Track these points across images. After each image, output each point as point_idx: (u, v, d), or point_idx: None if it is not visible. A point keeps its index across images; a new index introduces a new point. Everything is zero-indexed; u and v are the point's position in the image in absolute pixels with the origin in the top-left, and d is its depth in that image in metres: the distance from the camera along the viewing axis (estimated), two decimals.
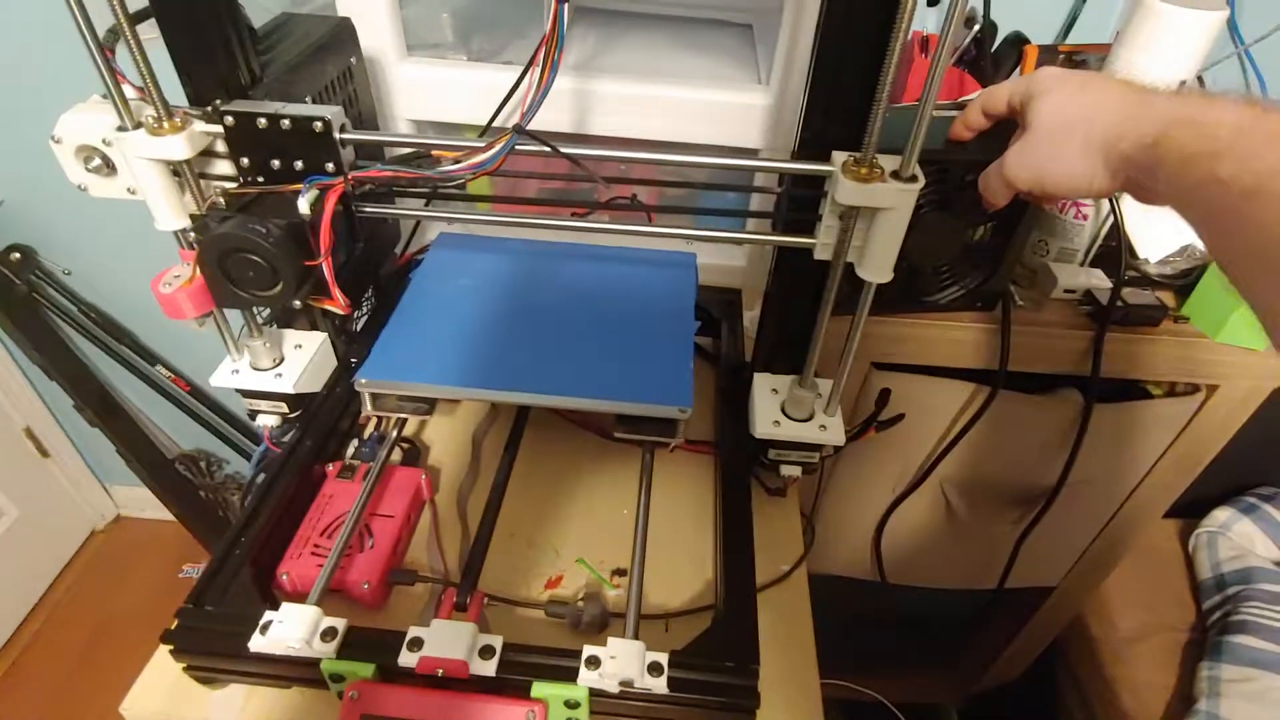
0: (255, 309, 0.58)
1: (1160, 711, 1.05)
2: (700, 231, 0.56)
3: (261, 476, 0.61)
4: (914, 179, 0.45)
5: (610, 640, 0.45)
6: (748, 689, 0.45)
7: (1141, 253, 0.78)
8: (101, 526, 1.77)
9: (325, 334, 0.63)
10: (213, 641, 0.46)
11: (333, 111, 0.47)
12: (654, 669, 0.44)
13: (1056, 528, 0.93)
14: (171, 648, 0.47)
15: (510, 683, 0.44)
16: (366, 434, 0.66)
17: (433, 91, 0.76)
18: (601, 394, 0.56)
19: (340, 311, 0.50)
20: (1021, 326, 0.75)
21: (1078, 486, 0.86)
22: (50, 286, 1.34)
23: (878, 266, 0.49)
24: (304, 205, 0.45)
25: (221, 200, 0.47)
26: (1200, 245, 0.77)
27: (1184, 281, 0.78)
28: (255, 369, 0.60)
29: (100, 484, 1.75)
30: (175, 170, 0.49)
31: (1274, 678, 0.98)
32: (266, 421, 0.62)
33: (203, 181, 0.51)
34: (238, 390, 0.60)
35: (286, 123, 0.47)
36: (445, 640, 0.44)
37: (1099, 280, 0.77)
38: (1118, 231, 0.76)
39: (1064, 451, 0.83)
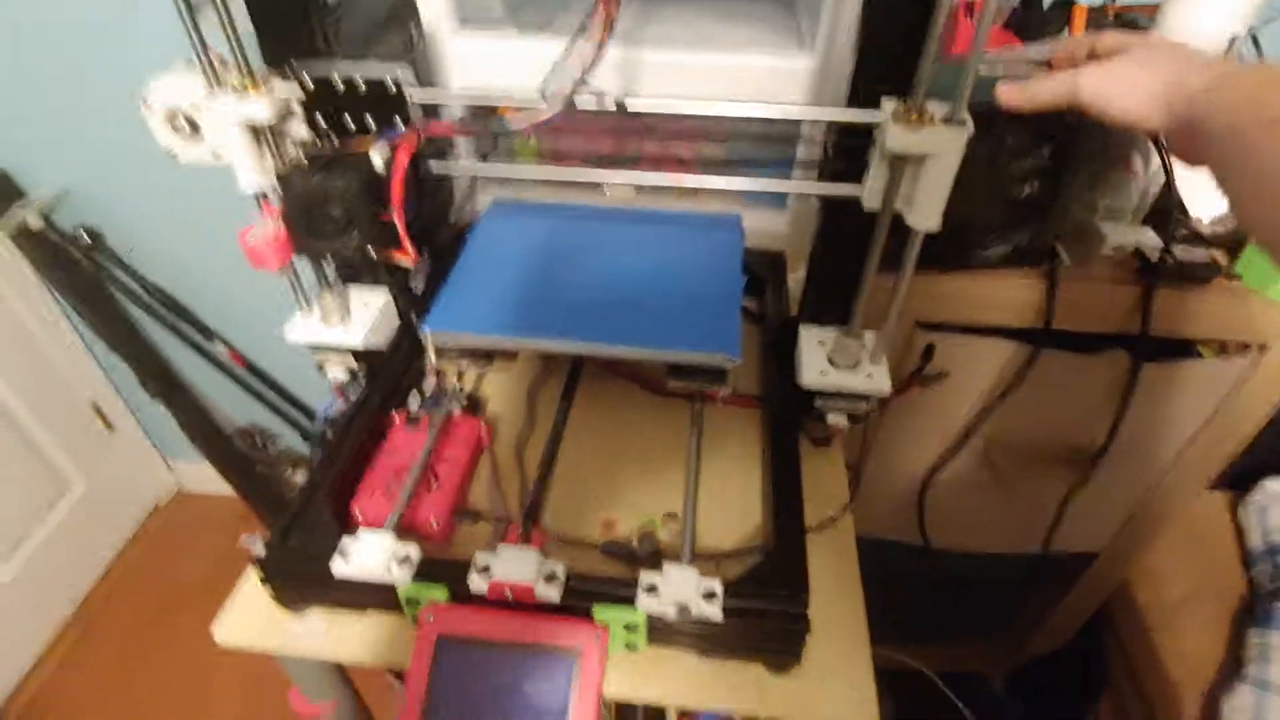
0: (324, 267, 0.62)
1: (1208, 678, 1.04)
2: (749, 181, 0.57)
3: (329, 429, 0.64)
4: (963, 124, 0.46)
5: (666, 566, 0.47)
6: (799, 615, 0.47)
7: (1194, 211, 0.78)
8: (165, 500, 1.85)
9: (388, 291, 0.66)
10: (297, 567, 0.50)
11: (403, 70, 0.50)
12: (709, 596, 0.46)
13: (1101, 491, 0.93)
14: (261, 574, 0.50)
15: (573, 607, 0.47)
16: (428, 389, 0.69)
17: (485, 63, 0.78)
18: (652, 343, 0.59)
19: (409, 264, 0.53)
20: (1068, 284, 0.75)
21: (1125, 448, 0.86)
22: (116, 267, 1.40)
23: (926, 214, 0.50)
24: (378, 160, 0.48)
25: (303, 158, 0.50)
26: None
27: (1236, 239, 0.77)
28: (324, 324, 0.63)
29: (163, 459, 1.83)
30: (256, 132, 0.53)
31: None
32: (334, 375, 0.65)
33: (280, 144, 0.54)
34: (308, 344, 0.64)
35: (361, 83, 0.50)
36: (512, 565, 0.47)
37: (1149, 238, 0.76)
38: (1168, 189, 0.76)
39: (1110, 413, 0.83)
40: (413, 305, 0.70)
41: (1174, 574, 1.16)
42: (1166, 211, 0.77)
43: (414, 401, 0.66)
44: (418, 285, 0.70)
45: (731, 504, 0.61)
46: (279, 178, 0.50)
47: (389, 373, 0.65)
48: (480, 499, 0.62)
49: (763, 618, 0.47)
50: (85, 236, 1.33)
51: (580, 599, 0.47)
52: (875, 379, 0.60)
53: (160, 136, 0.55)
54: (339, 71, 0.50)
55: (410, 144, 0.48)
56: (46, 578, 1.51)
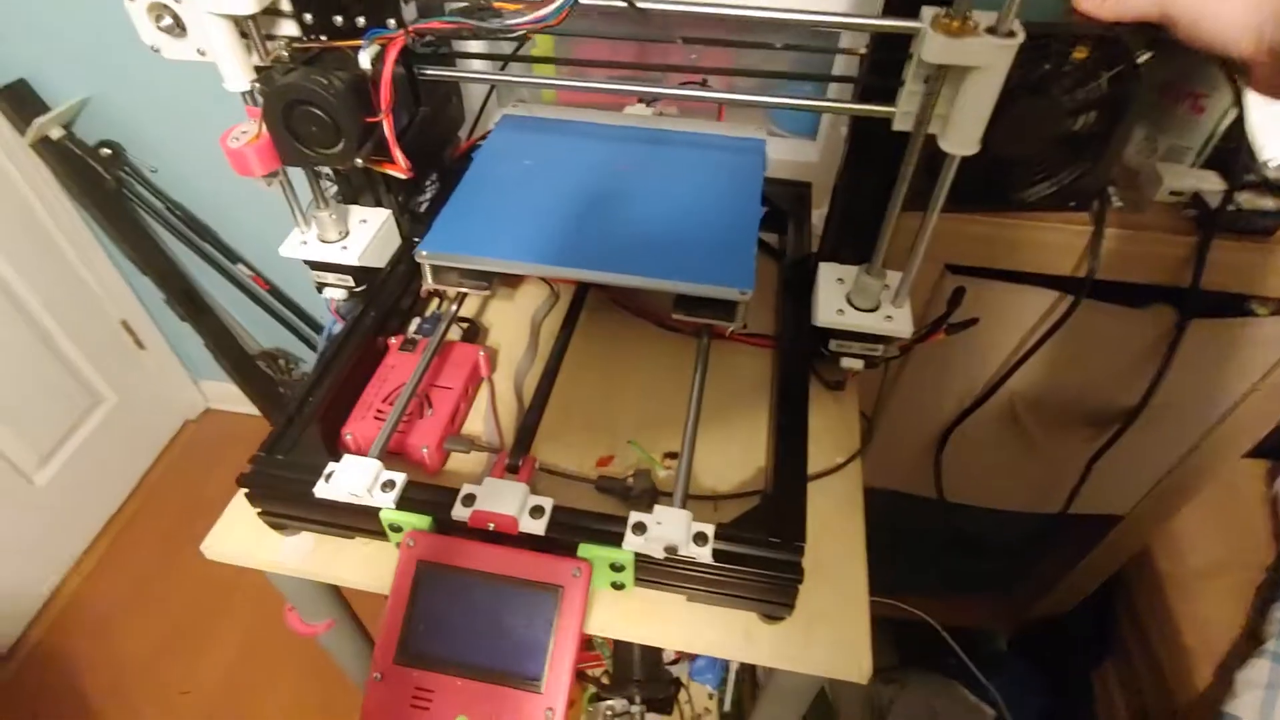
0: (321, 181, 0.59)
1: (1224, 649, 1.01)
2: (771, 99, 0.53)
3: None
4: (1013, 35, 0.41)
5: (657, 508, 0.45)
6: (792, 564, 0.45)
7: (1262, 155, 0.70)
8: (194, 417, 1.89)
9: (389, 210, 0.64)
10: (282, 487, 0.49)
11: None
12: (699, 538, 0.44)
13: (1132, 453, 0.88)
14: (246, 491, 0.49)
15: (558, 542, 0.45)
16: (429, 312, 0.67)
17: None
18: (661, 274, 0.55)
19: (401, 175, 0.50)
20: (1117, 230, 0.69)
21: (1161, 409, 0.81)
22: (139, 183, 1.39)
23: (963, 136, 0.45)
24: (365, 59, 0.45)
25: (286, 54, 0.47)
26: None
27: None
28: (322, 241, 0.61)
29: (191, 378, 1.86)
30: (243, 31, 0.49)
31: None
32: (333, 294, 0.63)
33: (268, 43, 0.50)
34: (305, 261, 0.62)
35: None
36: (497, 497, 0.45)
37: (1211, 182, 0.70)
38: (1237, 129, 0.69)
39: (1149, 371, 0.78)
40: (416, 224, 0.67)
41: (1199, 541, 1.12)
42: (1233, 154, 0.71)
43: (413, 326, 0.64)
44: (420, 205, 0.67)
45: (736, 446, 0.59)
46: (258, 72, 0.47)
47: (386, 295, 0.63)
48: (477, 427, 0.60)
49: (754, 564, 0.45)
50: (107, 150, 1.32)
51: (567, 534, 0.45)
52: (895, 321, 0.56)
53: (144, 31, 0.52)
54: None
55: (400, 42, 0.44)
56: (81, 486, 1.56)
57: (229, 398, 1.84)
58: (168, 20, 0.51)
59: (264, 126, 0.47)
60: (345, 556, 0.52)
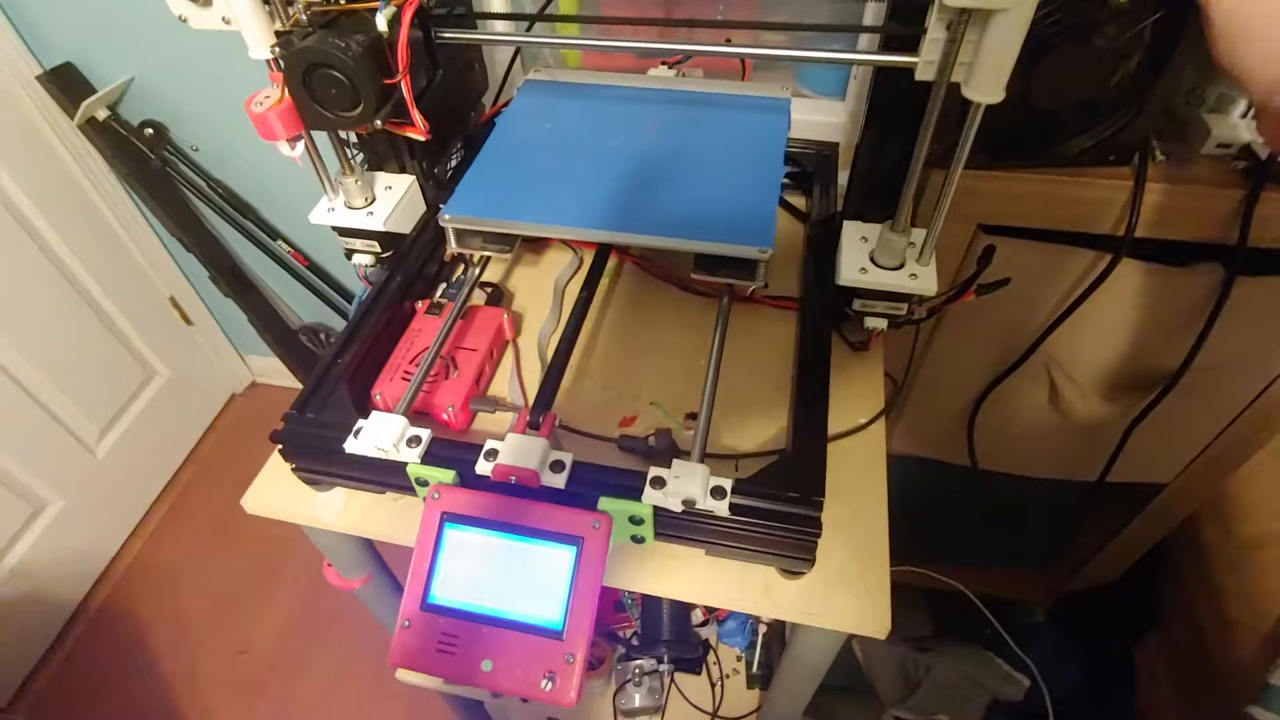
0: (348, 148, 0.60)
1: (1269, 623, 0.98)
2: (790, 52, 0.52)
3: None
4: None
5: (675, 463, 0.46)
6: (810, 518, 0.45)
7: None
8: (240, 390, 1.96)
9: (413, 177, 0.65)
10: (314, 443, 0.51)
11: None
12: (716, 492, 0.45)
13: (1174, 419, 0.85)
14: (280, 447, 0.51)
15: (578, 496, 0.46)
16: (454, 277, 0.68)
17: None
18: (681, 234, 0.55)
19: (420, 137, 0.50)
20: (1160, 184, 0.67)
21: (1207, 373, 0.78)
22: (182, 162, 1.43)
23: (988, 84, 0.44)
24: (381, 21, 0.45)
25: (305, 18, 0.47)
26: None
27: None
28: (349, 208, 0.62)
29: (237, 352, 1.92)
30: None
31: None
32: (361, 260, 0.65)
33: (288, 8, 0.51)
34: (333, 227, 0.63)
35: None
36: (519, 452, 0.46)
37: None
38: None
39: (1194, 332, 0.75)
40: (440, 191, 0.68)
41: (1251, 512, 1.09)
42: None
43: (439, 291, 0.65)
44: (446, 172, 0.68)
45: (756, 406, 0.59)
46: (277, 35, 0.48)
47: (412, 260, 0.64)
48: (502, 389, 0.61)
49: (772, 518, 0.45)
50: (150, 130, 1.36)
51: (587, 488, 0.46)
52: (920, 279, 0.55)
53: (172, 1, 0.53)
54: None
55: (415, 3, 0.45)
56: (139, 456, 1.63)
57: (273, 371, 1.90)
58: None
59: (285, 91, 0.48)
60: (376, 512, 0.54)
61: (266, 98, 0.49)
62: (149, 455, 1.68)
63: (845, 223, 0.59)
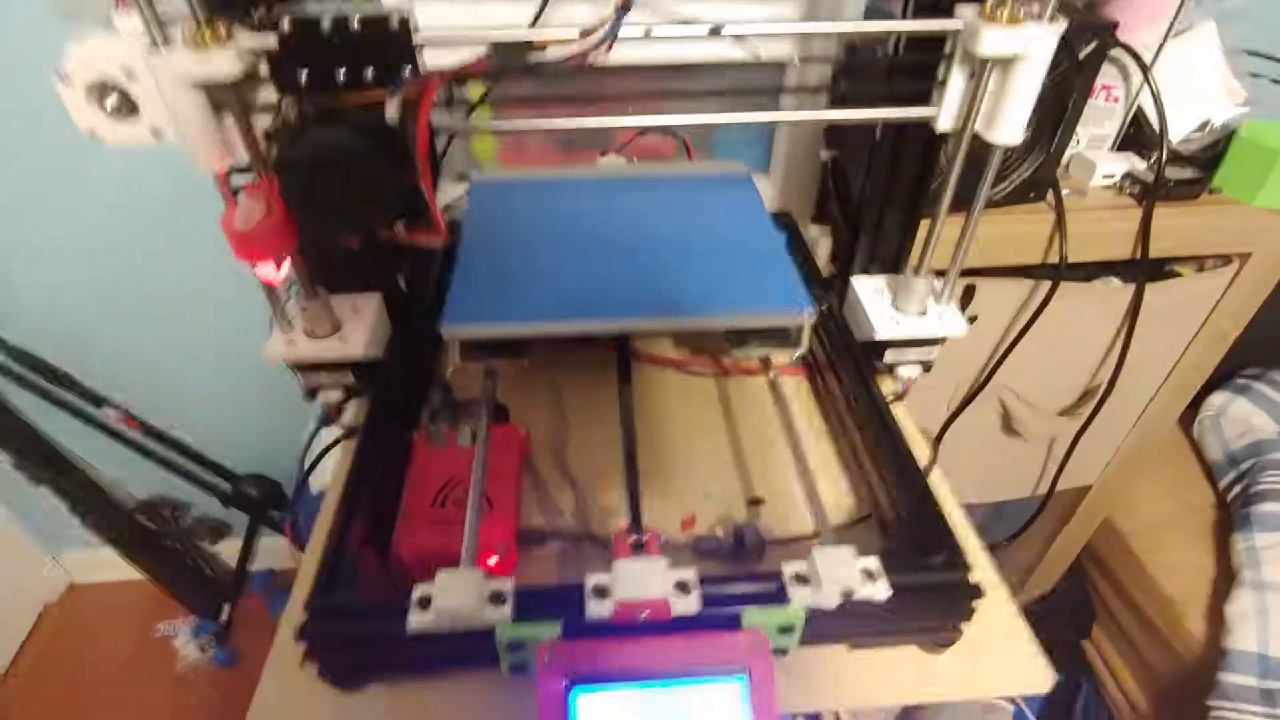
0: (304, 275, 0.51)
1: (1204, 588, 1.09)
2: (787, 115, 0.52)
3: (317, 461, 0.53)
4: (1057, 19, 0.43)
5: (816, 551, 0.40)
6: (964, 580, 0.41)
7: (1172, 133, 0.79)
8: (54, 599, 1.59)
9: (378, 293, 0.56)
10: (357, 631, 0.39)
11: (407, 6, 0.41)
12: (867, 575, 0.40)
13: (1099, 423, 0.94)
14: (307, 647, 0.39)
15: (714, 619, 0.39)
16: (435, 401, 0.59)
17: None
18: (713, 310, 0.52)
19: (438, 243, 0.43)
20: (1071, 214, 0.75)
21: (1122, 376, 0.87)
22: None
23: (1011, 127, 0.46)
24: (392, 110, 0.39)
25: (292, 115, 0.40)
26: (1218, 120, 0.78)
27: (1209, 155, 0.80)
28: (311, 336, 0.52)
29: (45, 552, 1.57)
30: (216, 102, 0.42)
31: None
32: (329, 398, 0.54)
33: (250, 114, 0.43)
34: (294, 365, 0.52)
35: (355, 24, 0.40)
36: (638, 580, 0.39)
37: (1136, 162, 0.77)
38: (1141, 113, 0.77)
39: (1111, 341, 0.84)
40: (405, 307, 0.60)
41: (1149, 496, 1.21)
42: (1132, 139, 0.80)
43: (433, 417, 0.56)
44: (402, 282, 0.60)
45: (798, 484, 0.55)
46: (267, 136, 0.40)
47: (394, 388, 0.55)
48: (531, 517, 0.53)
49: (928, 590, 0.41)
50: None
51: (717, 606, 0.39)
52: (947, 321, 0.56)
53: (79, 117, 0.43)
54: (328, 12, 0.40)
55: (433, 89, 0.39)
56: None
57: (97, 566, 1.57)
58: (113, 100, 0.43)
59: (273, 202, 0.40)
60: (432, 704, 0.42)
61: (250, 214, 0.40)
62: None
63: (854, 279, 0.59)
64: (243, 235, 0.39)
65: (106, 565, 1.51)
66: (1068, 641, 1.30)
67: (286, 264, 0.43)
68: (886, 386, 0.60)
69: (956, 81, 0.46)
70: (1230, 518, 1.12)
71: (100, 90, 0.42)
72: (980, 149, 0.48)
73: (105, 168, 0.99)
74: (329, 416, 0.56)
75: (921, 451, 0.57)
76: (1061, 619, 1.30)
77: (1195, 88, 0.77)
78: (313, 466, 0.58)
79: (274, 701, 0.42)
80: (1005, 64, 0.44)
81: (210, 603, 1.52)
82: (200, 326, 1.22)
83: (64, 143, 0.95)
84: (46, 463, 1.32)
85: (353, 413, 0.57)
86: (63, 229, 1.06)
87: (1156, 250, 0.77)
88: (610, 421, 0.58)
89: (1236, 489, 1.13)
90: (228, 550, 1.60)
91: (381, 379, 0.54)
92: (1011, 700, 1.22)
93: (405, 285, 0.63)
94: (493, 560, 0.47)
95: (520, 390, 0.62)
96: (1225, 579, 1.06)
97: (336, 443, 0.57)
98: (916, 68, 0.49)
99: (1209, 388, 1.25)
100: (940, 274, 0.56)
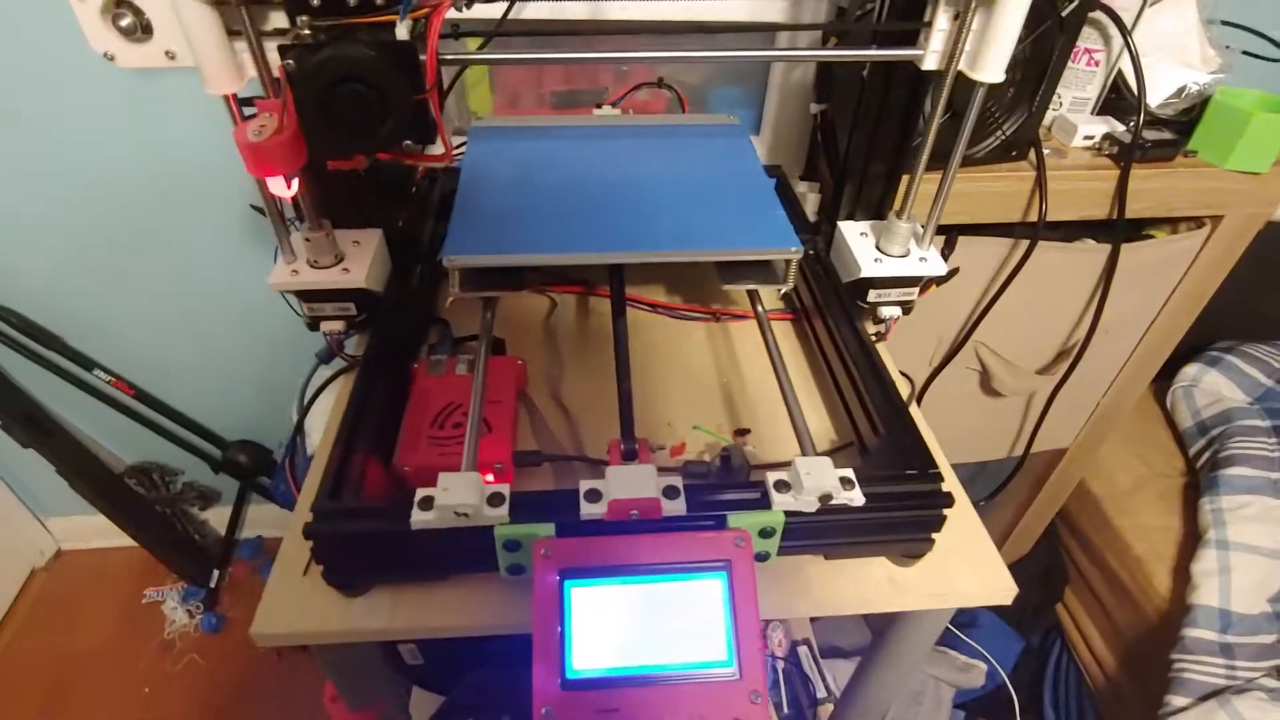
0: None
1: (1172, 550, 1.12)
2: (779, 51, 0.54)
3: (318, 389, 0.55)
4: None
5: (797, 460, 0.43)
6: (936, 493, 0.44)
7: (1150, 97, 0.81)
8: (42, 564, 1.59)
9: (379, 228, 0.58)
10: (361, 532, 0.41)
11: None
12: (846, 483, 0.42)
13: (1074, 384, 0.97)
14: (314, 547, 0.41)
15: (701, 520, 0.41)
16: (434, 334, 0.60)
17: None
18: (705, 243, 0.54)
19: (445, 163, 0.45)
20: (1051, 173, 0.77)
21: (1097, 337, 0.90)
22: None
23: (993, 64, 0.48)
24: (402, 30, 0.41)
25: (308, 33, 0.41)
26: (1195, 85, 0.81)
27: (1186, 119, 0.82)
28: (315, 266, 0.54)
29: (35, 517, 1.57)
30: (229, 26, 0.43)
31: (1270, 500, 1.06)
32: (332, 327, 0.56)
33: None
34: (299, 293, 0.54)
35: None
36: (630, 483, 0.41)
37: (1116, 124, 0.80)
38: (1121, 77, 0.80)
39: (1087, 301, 0.86)
40: (404, 249, 0.62)
41: (1121, 462, 1.25)
42: (1112, 103, 0.82)
43: (433, 349, 0.57)
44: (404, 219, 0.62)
45: (784, 417, 0.57)
46: (282, 51, 0.41)
47: (394, 318, 0.56)
48: (527, 443, 0.55)
49: (901, 500, 0.43)
50: None
51: (704, 510, 0.42)
52: (930, 262, 0.58)
53: (94, 37, 0.44)
54: None
55: (446, 7, 0.41)
56: None
57: (86, 532, 1.57)
58: (128, 20, 0.44)
59: (286, 117, 0.41)
60: (438, 603, 0.44)
61: (263, 126, 0.41)
62: None
63: (840, 224, 0.61)
64: (256, 147, 0.40)
65: (95, 532, 1.52)
66: (1040, 604, 1.34)
67: (296, 181, 0.44)
68: (869, 328, 0.62)
69: (942, 22, 0.48)
70: (1199, 483, 1.16)
71: (113, 9, 0.44)
72: (962, 98, 0.50)
73: (95, 136, 0.99)
74: (331, 350, 0.58)
75: (902, 388, 0.60)
76: (1034, 583, 1.33)
77: (1173, 53, 0.80)
78: (313, 400, 0.60)
79: (277, 607, 0.43)
80: (989, 3, 0.47)
81: (199, 569, 1.53)
82: (191, 295, 1.22)
83: (55, 112, 0.96)
84: (35, 425, 1.32)
85: (353, 346, 0.58)
86: (50, 200, 1.07)
87: (1132, 211, 0.80)
88: (603, 361, 0.61)
89: (1205, 455, 1.17)
90: (216, 518, 1.61)
91: (383, 310, 0.56)
92: (986, 660, 1.27)
93: (404, 225, 0.65)
94: (490, 477, 0.48)
95: (517, 329, 0.64)
96: (1192, 540, 1.10)
97: (337, 376, 0.59)
98: (906, 14, 0.51)
99: (1182, 359, 1.29)
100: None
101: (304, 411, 0.60)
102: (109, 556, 1.60)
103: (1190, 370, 1.28)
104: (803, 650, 0.90)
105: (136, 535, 1.49)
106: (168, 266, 1.18)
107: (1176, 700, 0.97)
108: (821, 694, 0.86)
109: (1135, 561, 1.15)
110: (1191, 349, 1.30)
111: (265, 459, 1.47)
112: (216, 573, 1.53)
